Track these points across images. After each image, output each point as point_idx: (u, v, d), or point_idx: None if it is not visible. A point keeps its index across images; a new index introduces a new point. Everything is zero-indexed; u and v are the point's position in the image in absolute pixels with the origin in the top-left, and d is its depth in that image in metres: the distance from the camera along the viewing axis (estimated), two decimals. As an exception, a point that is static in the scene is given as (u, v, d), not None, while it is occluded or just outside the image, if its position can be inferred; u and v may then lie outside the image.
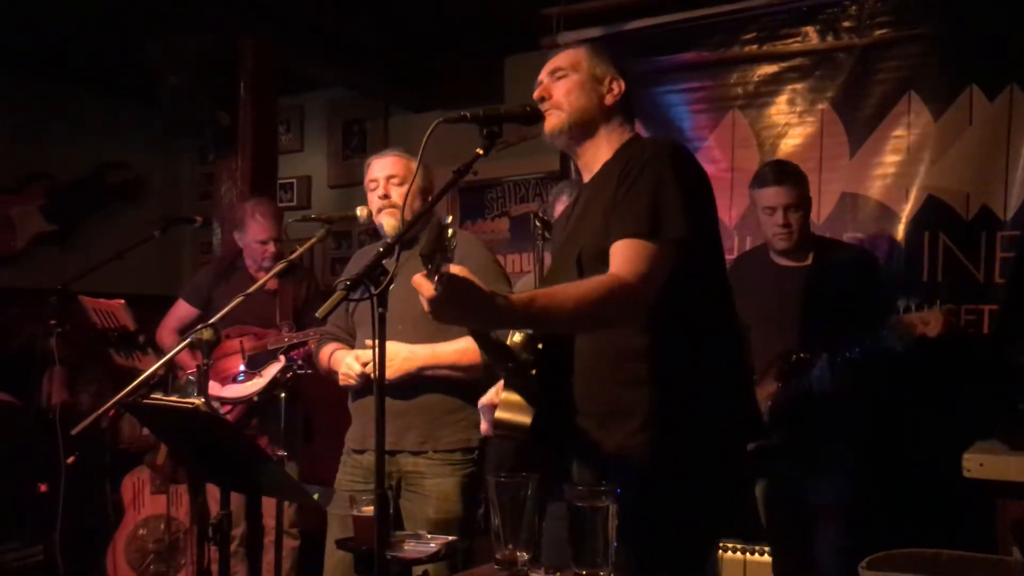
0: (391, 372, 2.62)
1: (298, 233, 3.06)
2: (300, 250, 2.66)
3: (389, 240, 1.99)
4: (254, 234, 3.79)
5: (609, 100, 2.04)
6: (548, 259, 2.41)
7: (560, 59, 2.06)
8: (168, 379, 3.56)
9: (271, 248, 3.79)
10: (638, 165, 1.88)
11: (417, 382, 2.68)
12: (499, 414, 1.94)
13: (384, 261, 1.72)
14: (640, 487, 1.78)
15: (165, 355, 2.34)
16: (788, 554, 3.09)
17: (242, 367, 3.61)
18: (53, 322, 3.81)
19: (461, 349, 2.68)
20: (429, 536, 2.03)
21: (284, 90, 4.91)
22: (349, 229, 5.61)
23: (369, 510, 1.86)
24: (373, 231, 3.29)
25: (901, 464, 3.20)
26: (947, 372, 3.17)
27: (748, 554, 3.27)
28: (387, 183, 2.80)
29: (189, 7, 4.13)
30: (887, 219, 3.56)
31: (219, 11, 4.18)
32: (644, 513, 1.78)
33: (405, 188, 2.73)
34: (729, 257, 3.84)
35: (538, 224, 2.63)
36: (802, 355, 2.89)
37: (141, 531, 4.05)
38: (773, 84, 3.86)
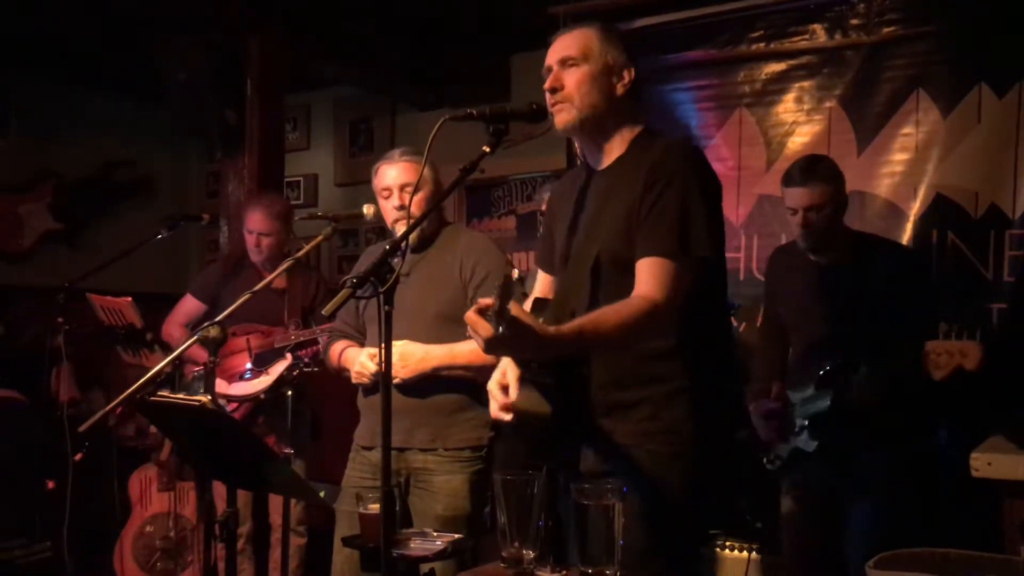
0: (406, 372, 2.63)
1: (305, 231, 3.06)
2: (306, 248, 2.66)
3: (397, 241, 1.99)
4: (245, 223, 3.81)
5: (620, 90, 2.03)
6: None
7: (570, 45, 2.01)
8: (175, 376, 3.58)
9: (263, 242, 3.75)
10: (664, 177, 1.90)
11: (428, 381, 2.68)
12: (518, 403, 1.95)
13: (392, 260, 1.72)
14: (651, 476, 1.88)
15: (171, 351, 2.34)
16: (812, 559, 3.01)
17: (249, 365, 3.62)
18: (61, 320, 3.82)
19: (475, 350, 2.66)
20: (435, 534, 2.04)
21: (291, 89, 4.92)
22: (356, 227, 5.62)
23: (376, 507, 1.87)
24: (380, 229, 3.30)
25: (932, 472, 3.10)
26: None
27: (750, 553, 3.26)
28: (402, 193, 2.76)
29: (197, 6, 4.14)
30: (895, 217, 3.54)
31: (226, 10, 4.19)
32: (653, 500, 1.87)
33: (419, 195, 2.71)
34: (735, 255, 3.85)
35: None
36: (839, 364, 2.77)
37: (148, 528, 4.06)
38: (780, 82, 3.84)
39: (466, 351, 2.68)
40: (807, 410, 2.84)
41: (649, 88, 3.90)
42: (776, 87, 3.85)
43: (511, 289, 1.55)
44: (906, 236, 3.50)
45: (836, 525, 2.84)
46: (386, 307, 1.72)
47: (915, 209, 3.51)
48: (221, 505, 2.20)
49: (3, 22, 4.32)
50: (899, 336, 2.66)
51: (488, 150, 1.91)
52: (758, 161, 3.85)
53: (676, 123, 4.02)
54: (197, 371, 3.63)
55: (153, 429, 4.22)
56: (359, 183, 5.46)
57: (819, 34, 3.76)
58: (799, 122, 3.79)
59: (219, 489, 3.38)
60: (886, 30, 3.61)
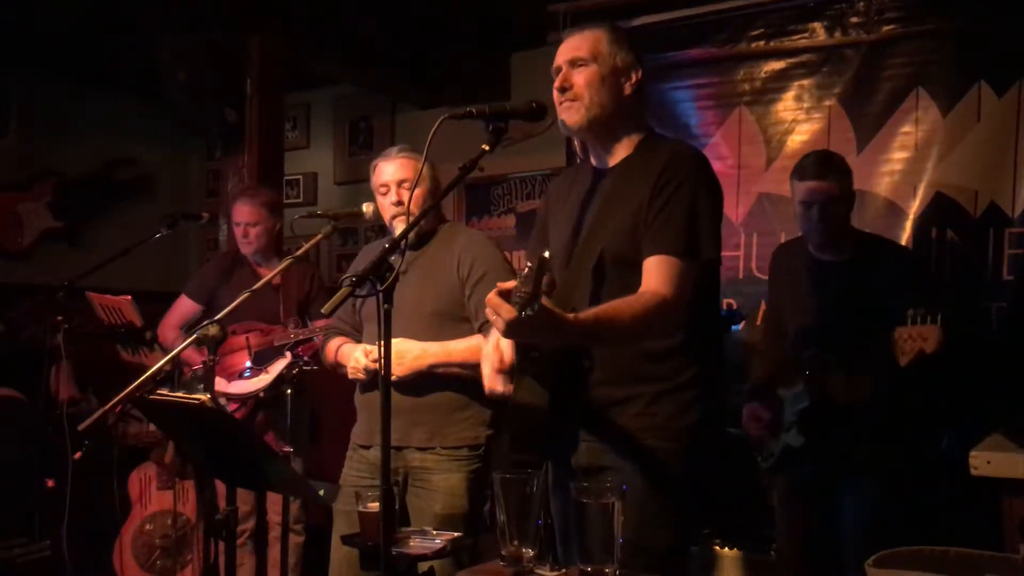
0: (402, 370, 2.62)
1: (304, 230, 3.06)
2: (306, 246, 2.66)
3: (396, 240, 1.99)
4: (232, 216, 3.83)
5: (628, 91, 2.07)
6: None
7: (580, 46, 2.05)
8: (174, 376, 3.58)
9: (251, 232, 3.77)
10: (675, 180, 1.95)
11: (425, 379, 2.68)
12: (517, 396, 1.96)
13: (390, 258, 1.72)
14: (645, 472, 1.93)
15: (169, 352, 2.34)
16: (805, 557, 3.03)
17: (248, 363, 3.61)
18: (60, 318, 3.82)
19: (472, 347, 2.67)
20: (435, 532, 2.03)
21: (291, 87, 4.92)
22: (355, 225, 5.61)
23: (375, 506, 1.87)
24: (379, 227, 3.29)
25: (924, 466, 3.12)
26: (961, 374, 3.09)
27: (748, 552, 3.27)
28: (399, 189, 2.77)
29: (197, 5, 4.14)
30: (894, 216, 3.54)
31: (226, 8, 4.19)
32: (646, 497, 1.91)
33: (418, 192, 2.71)
34: (734, 253, 3.85)
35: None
36: (827, 358, 2.80)
37: (148, 527, 4.06)
38: (780, 80, 3.84)
39: (462, 349, 2.68)
40: (796, 406, 2.88)
41: (649, 86, 3.89)
42: (776, 85, 3.85)
43: (545, 271, 1.55)
44: (906, 235, 3.51)
45: (826, 513, 2.88)
46: (385, 306, 1.72)
47: (915, 208, 3.51)
48: (221, 503, 2.20)
49: (4, 21, 4.32)
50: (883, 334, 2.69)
51: (488, 148, 1.91)
52: (758, 159, 3.85)
53: (676, 121, 4.02)
54: (196, 369, 3.63)
55: (153, 428, 4.22)
56: (359, 181, 5.47)
57: (819, 32, 3.76)
58: (799, 120, 3.79)
59: (219, 487, 3.38)
60: (886, 28, 3.61)
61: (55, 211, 5.48)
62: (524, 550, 1.70)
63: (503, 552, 1.72)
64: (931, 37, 3.51)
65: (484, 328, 2.69)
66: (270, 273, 2.76)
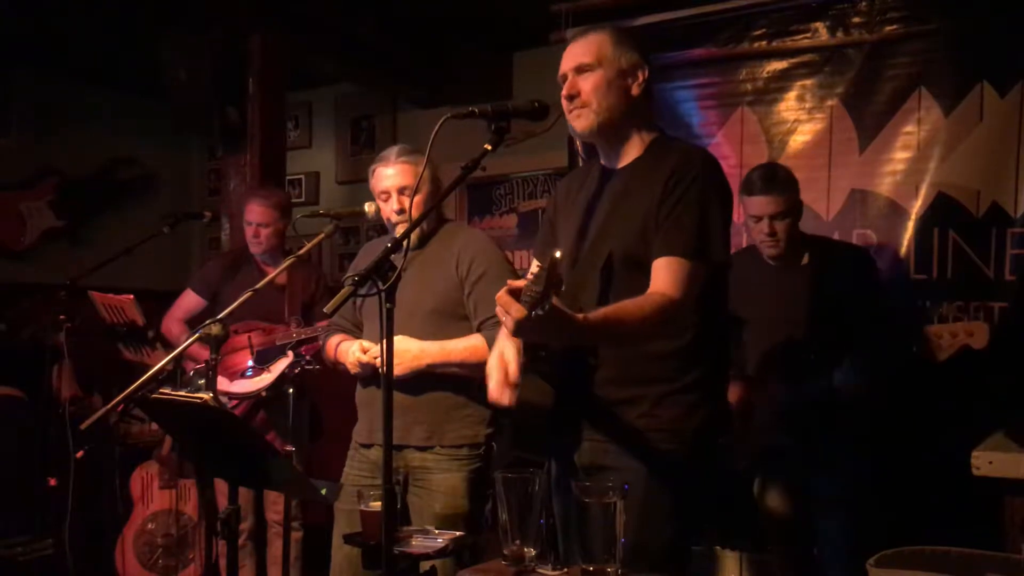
0: (401, 369, 2.62)
1: (306, 229, 3.06)
2: (308, 246, 2.66)
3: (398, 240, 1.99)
4: (244, 215, 3.83)
5: (636, 91, 2.08)
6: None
7: (584, 52, 2.05)
8: (176, 374, 3.58)
9: (261, 232, 3.78)
10: (685, 182, 1.96)
11: (424, 378, 2.68)
12: (521, 392, 1.96)
13: (392, 257, 1.72)
14: (648, 472, 1.95)
15: (172, 346, 2.34)
16: (790, 554, 3.08)
17: (250, 362, 3.62)
18: (62, 317, 3.83)
19: (471, 347, 2.68)
20: (436, 531, 2.04)
21: (292, 86, 4.91)
22: (357, 225, 5.61)
23: (376, 505, 1.87)
24: (381, 227, 3.29)
25: (912, 462, 3.17)
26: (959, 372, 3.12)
27: (746, 552, 3.28)
28: (400, 196, 2.76)
29: (199, 4, 4.14)
30: (896, 216, 3.54)
31: (228, 8, 4.19)
32: (648, 497, 1.92)
33: (419, 198, 2.71)
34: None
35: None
36: (813, 357, 2.85)
37: (150, 525, 4.07)
38: (782, 80, 3.84)
39: (461, 348, 2.68)
40: (776, 406, 2.91)
41: (651, 86, 3.89)
42: (778, 85, 3.84)
43: (556, 271, 1.56)
44: (907, 235, 3.50)
45: (803, 494, 2.99)
46: (387, 305, 1.72)
47: (916, 208, 3.50)
48: (222, 502, 2.20)
49: (5, 19, 4.32)
50: (865, 329, 2.79)
51: (490, 148, 1.91)
52: (760, 159, 3.83)
53: (678, 121, 4.01)
54: (198, 367, 3.63)
55: (155, 427, 4.23)
56: (360, 181, 5.44)
57: (821, 32, 3.75)
58: (801, 120, 3.78)
59: (220, 486, 3.38)
60: (888, 28, 3.60)
61: (57, 210, 5.48)
62: (526, 549, 1.70)
63: (505, 551, 1.72)
64: (933, 37, 3.50)
65: (483, 327, 2.69)
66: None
